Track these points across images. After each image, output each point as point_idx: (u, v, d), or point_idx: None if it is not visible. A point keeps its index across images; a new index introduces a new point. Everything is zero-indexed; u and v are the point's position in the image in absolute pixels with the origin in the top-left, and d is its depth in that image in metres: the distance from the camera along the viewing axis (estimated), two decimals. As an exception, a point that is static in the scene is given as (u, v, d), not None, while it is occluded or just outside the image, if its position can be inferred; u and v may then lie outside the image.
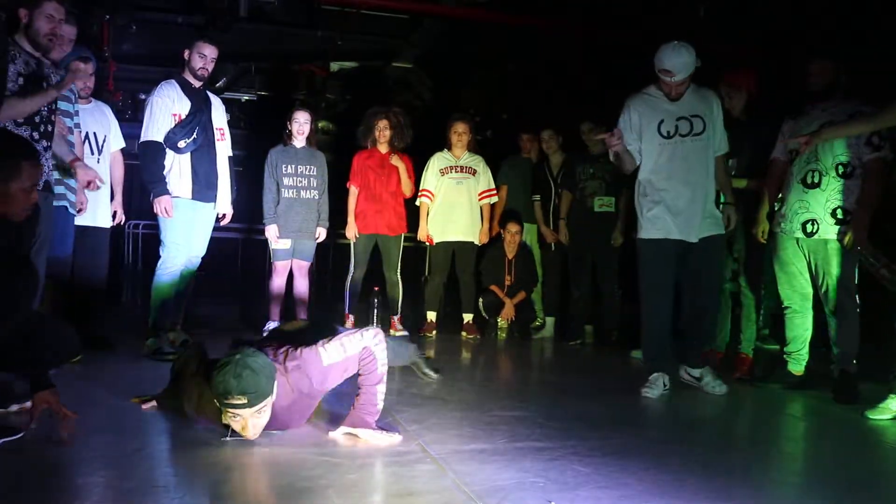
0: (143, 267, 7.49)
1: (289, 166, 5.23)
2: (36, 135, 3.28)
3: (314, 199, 5.27)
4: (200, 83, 4.37)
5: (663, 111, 3.81)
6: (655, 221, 3.80)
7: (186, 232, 4.28)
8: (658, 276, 3.83)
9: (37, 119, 3.29)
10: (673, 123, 3.78)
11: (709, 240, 3.81)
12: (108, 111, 4.61)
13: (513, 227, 5.97)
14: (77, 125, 4.03)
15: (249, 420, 2.44)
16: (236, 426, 2.46)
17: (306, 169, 5.28)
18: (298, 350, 2.62)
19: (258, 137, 7.22)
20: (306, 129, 5.27)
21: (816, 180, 3.85)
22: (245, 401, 2.38)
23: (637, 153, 3.85)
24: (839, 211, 3.78)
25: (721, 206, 3.97)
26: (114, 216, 4.65)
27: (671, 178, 3.78)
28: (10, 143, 2.71)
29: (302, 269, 5.32)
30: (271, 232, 5.19)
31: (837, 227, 3.79)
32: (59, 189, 3.80)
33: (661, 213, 3.79)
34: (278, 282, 5.29)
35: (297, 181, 5.24)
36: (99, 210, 4.41)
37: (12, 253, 2.56)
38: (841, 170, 3.79)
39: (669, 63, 3.67)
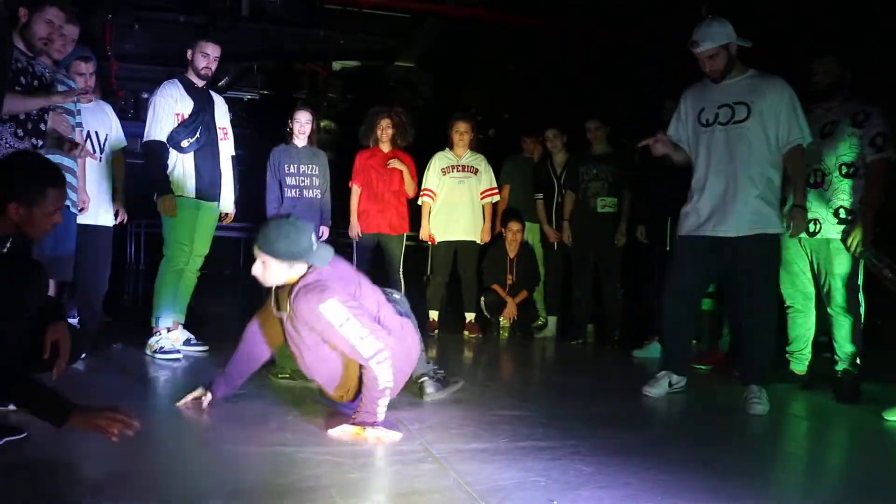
0: (145, 266, 7.49)
1: (291, 166, 5.24)
2: (21, 132, 3.28)
3: (317, 198, 5.28)
4: (204, 82, 4.36)
5: (707, 99, 3.59)
6: (686, 217, 3.64)
7: (190, 231, 4.28)
8: (678, 275, 3.67)
9: (21, 116, 3.29)
10: (713, 111, 3.55)
11: (749, 239, 3.47)
12: (109, 110, 4.60)
13: (514, 226, 5.97)
14: (79, 124, 4.03)
15: (258, 261, 2.79)
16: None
17: (308, 168, 5.29)
18: (329, 279, 2.77)
19: (260, 137, 7.22)
20: (307, 128, 5.28)
21: (819, 180, 3.85)
22: (259, 244, 2.76)
23: (687, 145, 3.69)
24: (842, 211, 3.78)
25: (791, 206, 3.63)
26: (116, 215, 4.65)
27: (708, 169, 3.57)
28: (38, 168, 2.68)
29: None
30: None
31: (840, 226, 3.79)
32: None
33: (692, 208, 3.62)
34: (280, 281, 5.28)
35: (299, 181, 5.25)
36: (101, 209, 4.41)
37: (21, 256, 2.55)
38: (844, 170, 3.79)
39: (697, 33, 3.48)
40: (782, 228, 3.55)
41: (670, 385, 3.71)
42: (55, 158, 3.77)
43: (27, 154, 3.00)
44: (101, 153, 4.44)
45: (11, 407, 2.72)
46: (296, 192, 5.23)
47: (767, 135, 3.48)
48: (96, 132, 4.41)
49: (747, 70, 3.56)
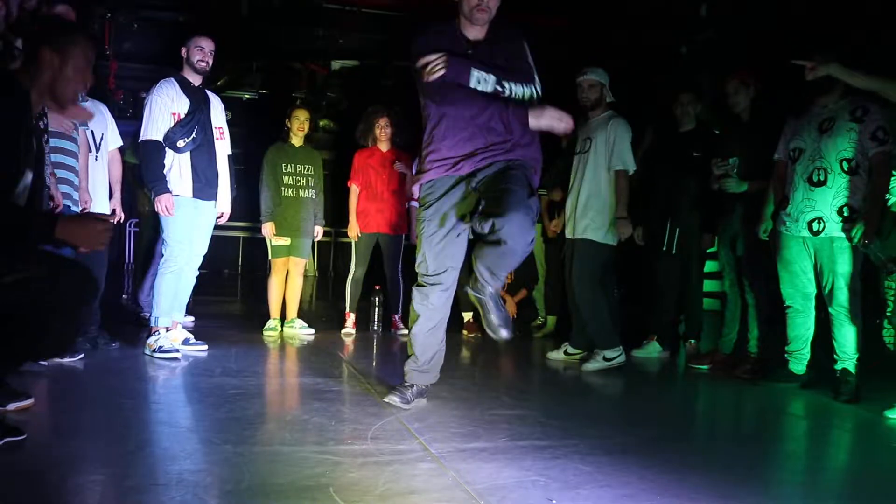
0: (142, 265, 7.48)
1: (288, 165, 5.25)
2: None
3: (311, 198, 5.32)
4: (201, 78, 4.34)
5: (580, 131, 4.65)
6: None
7: (188, 230, 4.27)
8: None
9: None
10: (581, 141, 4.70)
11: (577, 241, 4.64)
12: (105, 110, 4.59)
13: (512, 225, 5.96)
14: (83, 123, 4.02)
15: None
16: None
17: (304, 168, 5.31)
18: None
19: (259, 136, 7.24)
20: (306, 127, 5.31)
21: (822, 178, 3.83)
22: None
23: None
24: (846, 209, 3.77)
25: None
26: (112, 214, 4.64)
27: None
28: (69, 22, 2.72)
29: (298, 266, 5.34)
30: (268, 229, 5.20)
31: (844, 224, 3.77)
32: (64, 188, 3.80)
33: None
34: (277, 279, 5.30)
35: (295, 180, 5.27)
36: (97, 207, 4.39)
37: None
38: (846, 165, 3.78)
39: (587, 69, 4.65)
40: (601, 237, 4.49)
41: (566, 353, 4.68)
42: (57, 157, 3.78)
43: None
44: (98, 152, 4.44)
45: (9, 407, 2.71)
46: (292, 192, 5.25)
47: (599, 162, 4.50)
48: (93, 131, 4.40)
49: (607, 112, 4.58)
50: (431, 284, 3.06)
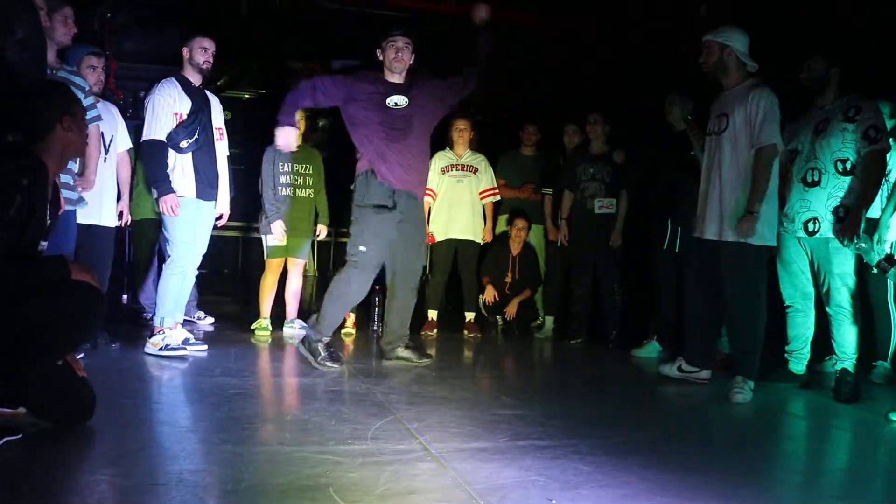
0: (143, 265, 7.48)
1: (286, 164, 5.25)
2: None
3: (309, 197, 5.31)
4: (201, 79, 4.34)
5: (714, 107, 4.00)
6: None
7: (193, 230, 4.27)
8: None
9: None
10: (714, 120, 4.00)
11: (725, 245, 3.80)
12: (115, 111, 4.60)
13: (519, 223, 5.95)
14: (97, 117, 4.03)
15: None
16: None
17: (303, 168, 5.31)
18: None
19: (259, 136, 7.23)
20: (302, 126, 5.30)
21: (816, 178, 3.84)
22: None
23: None
24: (841, 209, 3.77)
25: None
26: (120, 216, 4.65)
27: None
28: (53, 84, 2.92)
29: (297, 266, 5.35)
30: (278, 228, 5.16)
31: (839, 225, 3.77)
32: (65, 193, 3.80)
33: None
34: (271, 279, 5.29)
35: (293, 179, 5.27)
36: (104, 209, 4.39)
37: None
38: (840, 166, 3.78)
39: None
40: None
41: (680, 369, 3.99)
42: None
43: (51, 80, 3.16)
44: (107, 153, 4.44)
45: (21, 409, 2.70)
46: (289, 191, 5.26)
47: (740, 143, 3.71)
48: (102, 133, 4.40)
49: (745, 81, 3.76)
50: None
